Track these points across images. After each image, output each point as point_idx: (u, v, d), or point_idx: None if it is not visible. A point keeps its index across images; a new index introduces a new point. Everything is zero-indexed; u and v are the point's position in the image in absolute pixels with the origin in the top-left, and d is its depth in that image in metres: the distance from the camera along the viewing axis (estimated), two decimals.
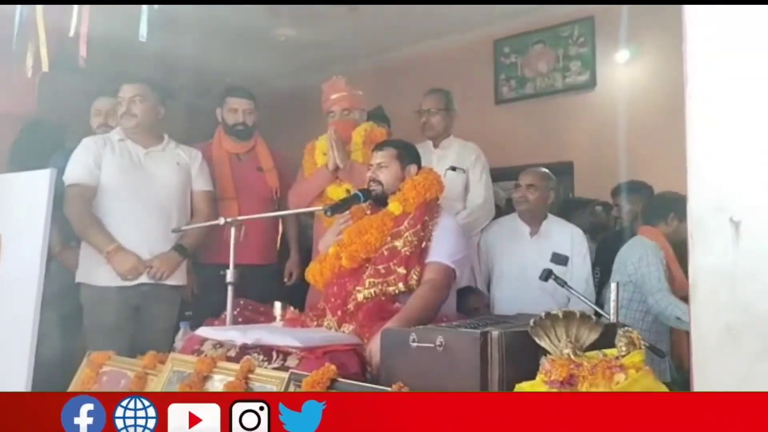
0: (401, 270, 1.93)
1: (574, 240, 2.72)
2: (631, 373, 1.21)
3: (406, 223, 2.01)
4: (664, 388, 1.22)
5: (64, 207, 2.42)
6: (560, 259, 2.67)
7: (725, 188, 0.74)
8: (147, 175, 2.56)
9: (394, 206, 2.07)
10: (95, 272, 2.46)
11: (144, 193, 2.52)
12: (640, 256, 2.62)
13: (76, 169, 2.47)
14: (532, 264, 2.59)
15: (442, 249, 1.99)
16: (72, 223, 2.45)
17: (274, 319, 2.19)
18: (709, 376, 0.75)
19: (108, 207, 2.48)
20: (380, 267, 1.96)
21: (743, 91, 0.78)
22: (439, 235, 2.02)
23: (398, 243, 1.98)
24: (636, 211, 3.11)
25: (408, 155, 2.19)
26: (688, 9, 0.81)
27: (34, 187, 2.22)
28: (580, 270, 2.68)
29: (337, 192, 2.53)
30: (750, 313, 0.72)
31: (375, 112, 3.38)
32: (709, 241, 0.75)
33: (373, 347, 1.69)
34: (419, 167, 2.19)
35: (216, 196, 2.81)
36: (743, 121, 0.76)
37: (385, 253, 1.98)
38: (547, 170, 2.89)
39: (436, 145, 2.94)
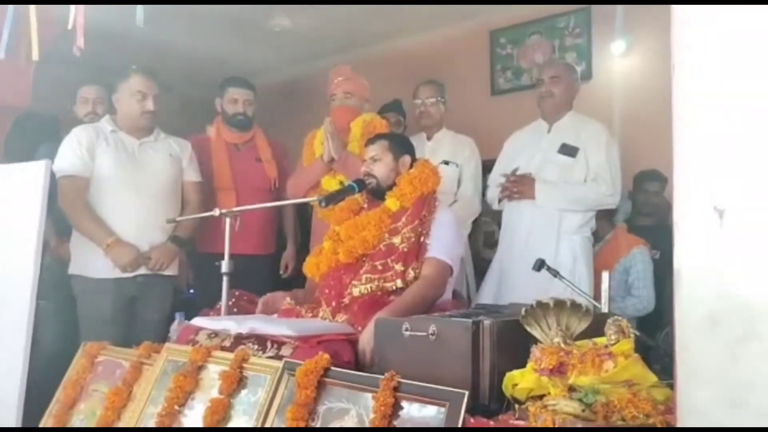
0: (399, 267, 1.93)
1: (589, 132, 2.61)
2: (620, 361, 1.22)
3: (403, 219, 2.02)
4: (652, 376, 1.23)
5: (59, 199, 2.41)
6: (568, 150, 2.59)
7: (710, 177, 0.75)
8: (141, 166, 2.56)
9: (391, 202, 2.06)
10: (90, 264, 2.46)
11: (139, 184, 2.52)
12: None
13: (71, 160, 2.46)
14: (543, 157, 2.59)
15: (440, 245, 1.99)
16: (67, 214, 2.45)
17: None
18: (692, 361, 0.76)
19: (103, 199, 2.47)
20: (377, 263, 1.96)
21: (730, 82, 0.79)
22: (437, 230, 2.01)
23: (396, 240, 1.98)
24: (655, 203, 3.11)
25: (400, 146, 2.19)
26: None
27: (29, 179, 2.21)
28: (597, 163, 2.56)
29: (330, 183, 2.53)
30: (731, 301, 0.73)
31: (392, 105, 3.38)
32: (693, 229, 0.76)
33: (366, 336, 1.70)
34: (413, 158, 2.19)
35: (205, 187, 2.81)
36: (729, 111, 0.77)
37: (383, 249, 1.99)
38: (569, 62, 2.82)
39: (429, 137, 2.95)
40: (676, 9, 0.82)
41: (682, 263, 0.76)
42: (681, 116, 0.77)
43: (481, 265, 3.01)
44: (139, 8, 1.93)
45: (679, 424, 0.78)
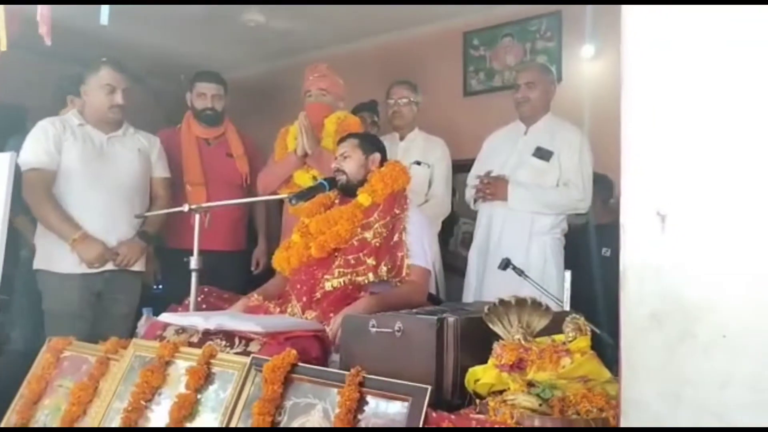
0: (371, 261, 1.96)
1: (564, 136, 2.65)
2: (576, 358, 1.27)
3: (375, 214, 2.05)
4: (606, 372, 1.28)
5: (24, 192, 2.37)
6: (543, 154, 2.63)
7: (653, 185, 0.80)
8: (109, 161, 2.53)
9: (363, 198, 2.09)
10: (56, 259, 2.43)
11: (107, 179, 2.50)
12: None
13: (37, 153, 2.42)
14: (518, 159, 2.65)
15: (422, 251, 2.05)
16: (32, 209, 2.41)
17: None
18: (635, 358, 0.81)
19: (70, 193, 2.44)
20: (350, 257, 1.99)
21: (676, 90, 0.83)
22: (415, 232, 2.06)
23: (368, 234, 2.01)
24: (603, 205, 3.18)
25: (369, 144, 2.23)
26: (626, 8, 0.85)
27: None
28: (569, 167, 2.61)
29: (303, 178, 2.55)
30: (673, 301, 0.77)
31: (368, 105, 3.40)
32: (638, 233, 0.80)
33: (336, 320, 1.74)
34: (384, 156, 2.23)
35: (175, 182, 2.79)
36: (671, 124, 0.81)
37: (355, 243, 2.01)
38: (545, 63, 2.84)
39: (402, 138, 2.98)
40: (626, 15, 0.86)
41: (627, 264, 0.81)
42: (627, 128, 0.82)
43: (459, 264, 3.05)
44: (104, 8, 1.91)
45: (623, 417, 0.83)
